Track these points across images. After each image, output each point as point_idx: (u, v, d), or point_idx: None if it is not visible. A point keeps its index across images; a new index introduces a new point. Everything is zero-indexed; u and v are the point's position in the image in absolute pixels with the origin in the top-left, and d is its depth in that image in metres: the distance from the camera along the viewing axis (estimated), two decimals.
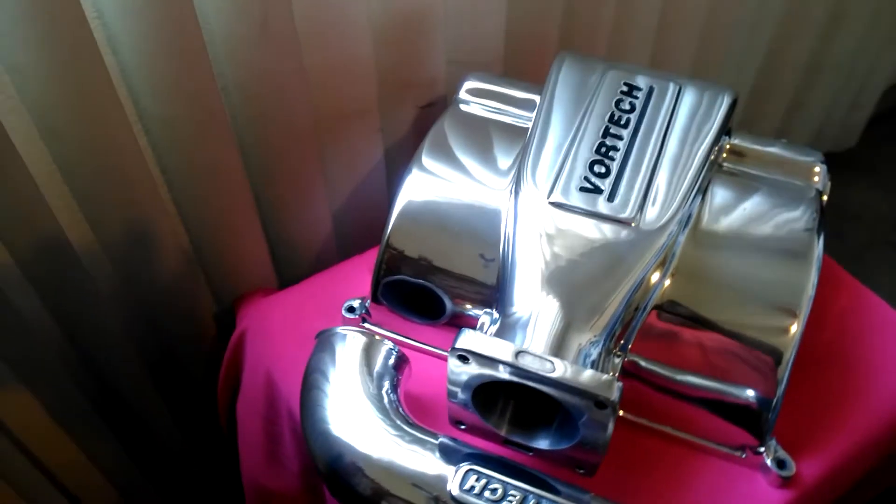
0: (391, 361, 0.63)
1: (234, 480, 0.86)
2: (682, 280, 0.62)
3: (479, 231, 0.66)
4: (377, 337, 0.64)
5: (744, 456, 0.63)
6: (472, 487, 0.54)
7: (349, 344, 0.63)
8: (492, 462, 0.55)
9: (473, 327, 0.64)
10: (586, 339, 0.57)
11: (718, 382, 0.61)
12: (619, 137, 0.67)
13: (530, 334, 0.57)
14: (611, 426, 0.54)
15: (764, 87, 1.35)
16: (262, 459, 0.78)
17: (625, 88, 0.71)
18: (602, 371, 0.57)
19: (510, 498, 0.53)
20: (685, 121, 0.68)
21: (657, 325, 0.62)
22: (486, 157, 0.71)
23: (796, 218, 0.65)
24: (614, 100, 0.70)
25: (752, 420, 0.61)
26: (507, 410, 0.61)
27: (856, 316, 0.74)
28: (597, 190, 0.63)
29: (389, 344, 0.64)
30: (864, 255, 1.53)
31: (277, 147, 0.80)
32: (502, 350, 0.53)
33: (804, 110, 1.48)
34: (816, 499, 0.64)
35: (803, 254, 0.63)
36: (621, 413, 0.66)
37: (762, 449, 0.62)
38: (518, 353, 0.53)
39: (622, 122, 0.68)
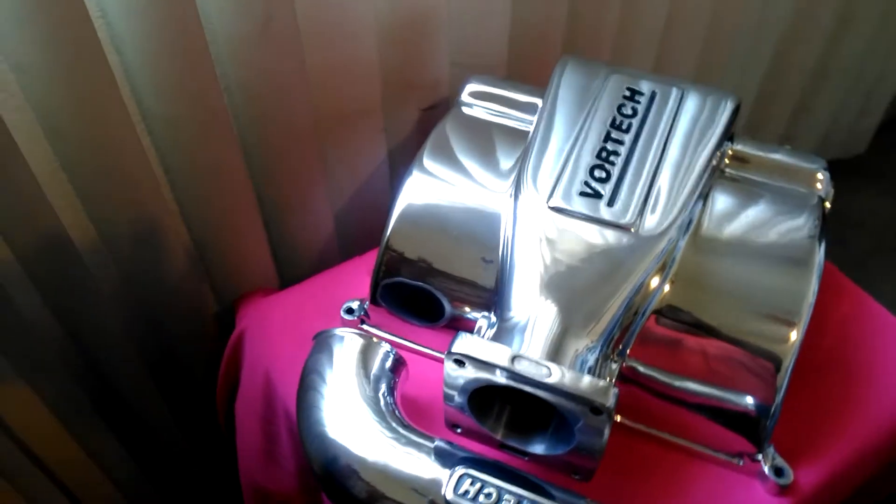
0: (388, 364, 0.63)
1: (233, 479, 0.86)
2: (681, 285, 0.62)
3: (479, 234, 0.66)
4: (375, 339, 0.64)
5: (741, 463, 0.63)
6: (467, 492, 0.54)
7: (346, 346, 0.63)
8: (487, 466, 0.55)
9: (472, 331, 0.65)
10: (583, 345, 0.57)
11: (717, 389, 0.61)
12: (621, 142, 0.67)
13: (527, 339, 0.57)
14: (607, 432, 0.54)
15: (770, 91, 1.34)
16: (259, 459, 0.79)
17: (627, 93, 0.70)
18: (599, 377, 0.57)
19: (504, 502, 0.53)
20: (687, 126, 0.68)
21: (656, 331, 0.62)
22: (488, 160, 0.70)
23: (798, 225, 0.65)
24: (616, 104, 0.69)
25: (751, 427, 0.61)
26: (504, 415, 0.61)
27: (857, 323, 0.74)
28: (597, 195, 0.63)
29: (387, 346, 0.64)
30: (868, 261, 1.52)
31: (279, 146, 0.80)
32: (498, 354, 0.53)
33: (811, 115, 1.47)
34: None
35: (804, 261, 0.63)
36: (618, 418, 0.66)
37: (760, 456, 0.62)
38: (514, 358, 0.53)
39: (624, 127, 0.68)
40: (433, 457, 0.56)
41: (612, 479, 0.62)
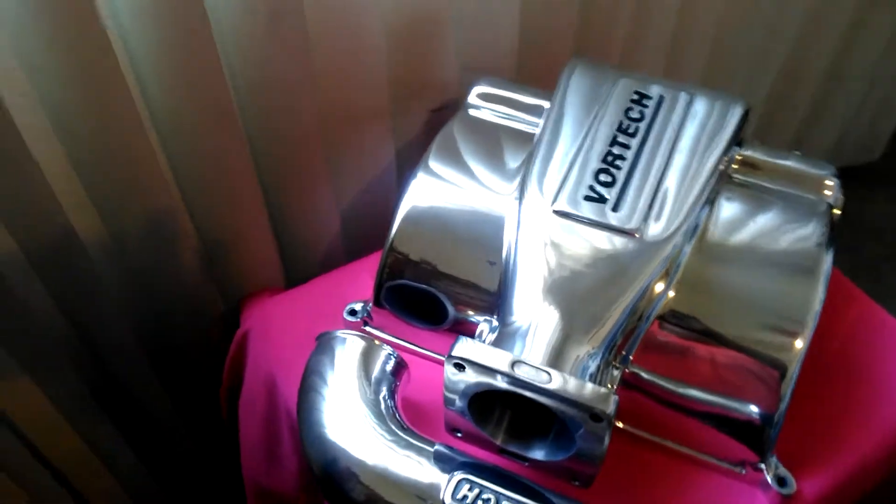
0: (389, 367, 0.63)
1: (236, 477, 0.87)
2: (686, 291, 0.61)
3: (484, 237, 0.66)
4: (377, 342, 0.64)
5: (744, 472, 0.63)
6: (465, 497, 0.53)
7: (348, 348, 0.63)
8: (486, 472, 0.55)
9: (474, 334, 0.64)
10: (585, 351, 0.56)
11: (720, 396, 0.60)
12: (627, 147, 0.66)
13: (529, 344, 0.57)
14: (607, 439, 0.53)
15: (781, 95, 1.33)
16: (261, 458, 0.79)
17: (635, 97, 0.70)
18: (600, 383, 0.57)
19: None
20: (695, 131, 0.67)
21: (660, 337, 0.61)
22: (494, 162, 0.70)
23: (806, 232, 0.64)
24: (624, 108, 0.69)
25: (753, 435, 0.60)
26: (504, 420, 0.61)
27: (864, 331, 0.73)
28: (601, 199, 0.62)
29: (388, 349, 0.64)
30: (881, 268, 1.51)
31: (286, 145, 0.80)
32: (498, 359, 0.53)
33: (823, 121, 1.46)
34: None
35: (811, 269, 0.62)
36: (620, 425, 0.65)
37: (763, 465, 0.62)
38: (514, 363, 0.53)
39: (630, 131, 0.67)
40: (432, 461, 0.56)
41: (613, 486, 0.62)
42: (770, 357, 0.60)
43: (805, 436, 0.65)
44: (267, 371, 0.73)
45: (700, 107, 0.69)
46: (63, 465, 0.82)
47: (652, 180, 0.64)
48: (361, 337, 0.64)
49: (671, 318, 0.61)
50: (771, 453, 0.61)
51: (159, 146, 0.73)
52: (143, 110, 0.69)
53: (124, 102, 0.65)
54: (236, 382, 0.82)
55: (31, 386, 0.75)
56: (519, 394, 0.54)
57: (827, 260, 0.63)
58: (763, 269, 0.63)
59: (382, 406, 0.60)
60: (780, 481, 0.61)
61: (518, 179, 0.67)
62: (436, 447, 0.57)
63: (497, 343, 0.59)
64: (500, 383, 0.54)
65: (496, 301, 0.64)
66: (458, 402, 0.58)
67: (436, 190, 0.68)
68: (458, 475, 0.54)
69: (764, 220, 0.65)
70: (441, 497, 0.54)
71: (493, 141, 0.73)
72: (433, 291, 0.67)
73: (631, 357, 0.61)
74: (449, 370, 0.55)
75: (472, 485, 0.54)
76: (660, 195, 0.63)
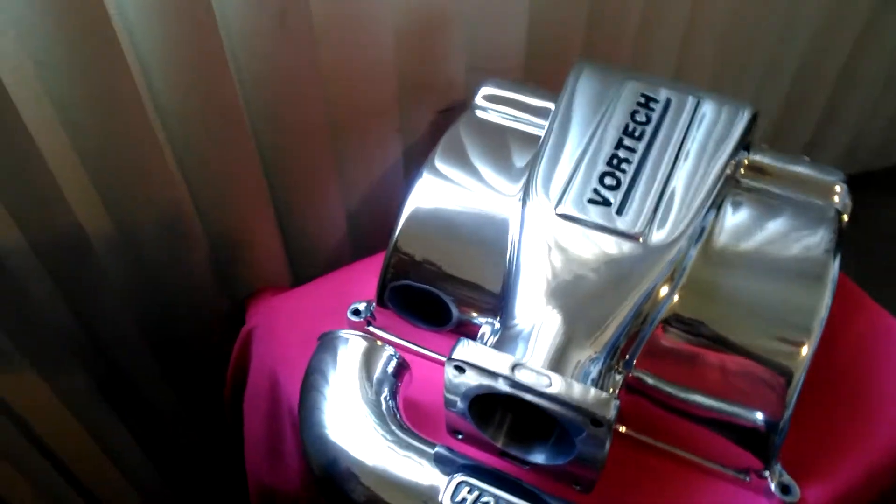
0: (391, 367, 0.63)
1: (240, 473, 0.87)
2: (690, 296, 0.61)
3: (488, 239, 0.66)
4: (379, 342, 0.64)
5: (748, 479, 0.62)
6: (464, 499, 0.53)
7: (350, 348, 0.63)
8: (486, 474, 0.55)
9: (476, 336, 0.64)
10: (586, 356, 0.56)
11: (724, 402, 0.60)
12: (633, 150, 0.66)
13: (531, 347, 0.56)
14: (607, 444, 0.53)
15: (795, 99, 1.32)
16: (265, 456, 0.79)
17: (641, 100, 0.69)
18: (602, 388, 0.56)
19: None
20: (702, 135, 0.67)
21: (663, 341, 0.61)
22: (499, 164, 0.70)
23: (813, 238, 0.64)
24: (630, 111, 0.69)
25: (758, 442, 0.60)
26: (505, 422, 0.61)
27: (872, 340, 0.72)
28: (606, 203, 0.62)
29: (390, 350, 0.64)
30: (894, 273, 1.49)
31: (293, 142, 0.80)
32: (499, 362, 0.53)
33: (837, 125, 1.44)
34: None
35: (818, 275, 0.62)
36: (623, 429, 0.65)
37: (767, 473, 0.61)
38: (515, 367, 0.53)
39: (637, 135, 0.67)
40: (432, 463, 0.56)
41: (614, 491, 0.61)
42: (775, 363, 0.59)
43: (810, 444, 0.64)
44: (271, 369, 0.73)
45: (707, 111, 0.69)
46: (67, 458, 0.83)
47: (657, 184, 0.63)
48: (364, 337, 0.64)
49: (675, 322, 0.61)
50: (775, 461, 0.61)
51: (165, 141, 0.73)
52: (150, 105, 0.70)
53: (130, 96, 0.65)
54: (240, 379, 0.82)
55: (35, 378, 0.75)
56: (520, 397, 0.53)
57: (834, 266, 0.62)
58: (769, 274, 0.62)
59: (383, 407, 0.60)
60: (784, 489, 0.61)
61: (522, 181, 0.67)
62: (436, 449, 0.57)
63: (498, 346, 0.58)
64: (501, 386, 0.53)
65: (500, 303, 0.64)
66: (459, 404, 0.58)
67: (441, 191, 0.68)
68: (458, 477, 0.54)
69: (771, 225, 0.65)
70: (440, 499, 0.53)
71: (499, 142, 0.72)
72: (437, 293, 0.67)
73: (634, 361, 0.61)
74: (450, 372, 0.55)
75: (472, 487, 0.54)
76: (665, 199, 0.62)
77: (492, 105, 0.76)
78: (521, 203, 0.64)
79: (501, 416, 0.61)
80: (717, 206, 0.65)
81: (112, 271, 0.78)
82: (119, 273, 0.79)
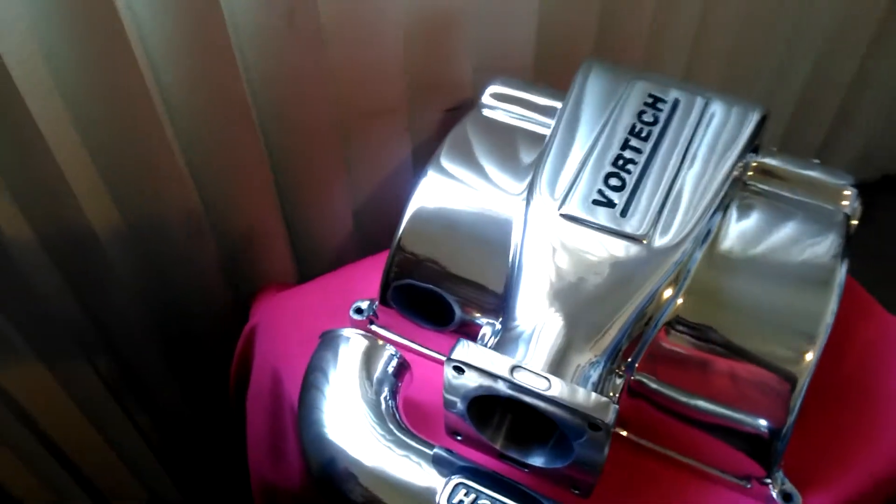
0: (392, 367, 0.63)
1: (245, 470, 0.87)
2: (695, 298, 0.60)
3: (492, 238, 0.65)
4: (380, 341, 0.63)
5: (749, 486, 0.61)
6: (461, 502, 0.53)
7: (351, 346, 0.63)
8: (484, 477, 0.55)
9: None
10: (587, 359, 0.56)
11: (726, 407, 0.59)
12: (639, 151, 0.65)
13: (531, 349, 0.56)
14: (606, 448, 0.52)
15: (808, 101, 1.30)
16: (267, 454, 0.79)
17: (649, 100, 0.69)
18: (602, 392, 0.56)
19: None
20: (710, 136, 0.66)
21: (666, 344, 0.60)
22: (505, 163, 0.69)
23: (820, 242, 0.63)
24: (637, 112, 0.68)
25: (760, 449, 0.59)
26: (504, 424, 0.60)
27: (880, 347, 0.71)
28: (610, 204, 0.61)
29: (391, 349, 0.63)
30: None
31: (300, 138, 0.80)
32: (498, 364, 0.53)
33: (851, 128, 1.42)
34: None
35: (824, 280, 0.61)
36: (624, 433, 0.64)
37: (769, 480, 0.60)
38: (514, 368, 0.52)
39: (643, 135, 0.66)
40: (430, 464, 0.55)
41: (613, 495, 0.61)
42: (780, 368, 0.58)
43: (813, 452, 0.63)
44: (273, 366, 0.73)
45: (716, 111, 0.68)
46: (70, 449, 0.83)
47: (663, 185, 0.63)
48: (365, 336, 0.64)
49: (679, 325, 0.60)
50: (778, 468, 0.60)
51: (173, 136, 0.73)
52: (158, 101, 0.70)
53: (139, 91, 0.65)
54: (244, 376, 0.82)
55: (42, 370, 0.76)
56: (518, 399, 0.53)
57: (841, 271, 0.61)
58: (775, 278, 0.61)
59: (383, 406, 0.60)
60: (786, 497, 0.60)
61: (527, 181, 0.66)
62: (434, 450, 0.56)
63: (499, 347, 0.58)
64: (500, 388, 0.53)
65: (501, 304, 0.64)
66: (458, 405, 0.57)
67: (445, 189, 0.68)
68: (456, 479, 0.54)
69: (778, 229, 0.64)
70: (437, 500, 0.53)
71: (505, 141, 0.72)
72: (440, 292, 0.66)
73: (637, 364, 0.60)
74: (449, 373, 0.54)
75: (469, 490, 0.53)
76: (670, 201, 0.62)
77: (499, 103, 0.76)
78: (524, 203, 0.64)
79: (501, 417, 0.60)
80: (723, 208, 0.64)
81: (119, 265, 0.78)
82: (126, 267, 0.80)
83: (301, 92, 0.76)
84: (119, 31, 0.61)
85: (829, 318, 0.59)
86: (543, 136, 0.71)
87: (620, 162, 0.64)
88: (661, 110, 0.68)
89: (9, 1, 0.57)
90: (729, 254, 0.62)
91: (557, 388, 0.51)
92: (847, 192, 0.67)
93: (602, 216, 0.61)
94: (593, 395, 0.51)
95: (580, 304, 0.58)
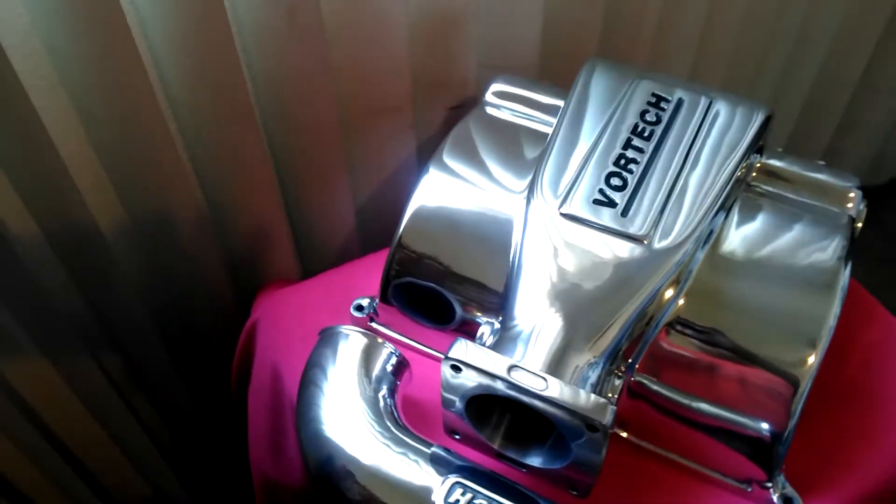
0: (391, 365, 0.63)
1: (247, 465, 0.87)
2: (696, 300, 0.60)
3: (493, 237, 0.65)
4: (379, 339, 0.63)
5: (749, 490, 0.61)
6: (458, 501, 0.53)
7: (350, 344, 0.63)
8: (481, 476, 0.54)
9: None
10: (585, 360, 0.55)
11: (727, 409, 0.59)
12: (642, 150, 0.65)
13: (530, 349, 0.56)
14: (604, 449, 0.52)
15: (815, 103, 1.29)
16: (267, 450, 0.79)
17: (652, 99, 0.68)
18: (600, 392, 0.55)
19: None
20: (713, 136, 0.66)
21: (667, 346, 0.60)
22: (507, 161, 0.69)
23: (824, 244, 0.62)
24: (640, 111, 0.67)
25: (761, 452, 0.59)
26: (503, 424, 0.60)
27: (884, 350, 0.71)
28: (611, 203, 0.61)
29: (391, 347, 0.63)
30: None
31: (303, 136, 0.80)
32: (496, 363, 0.52)
33: (859, 131, 1.41)
34: None
35: (828, 282, 0.60)
36: (624, 434, 0.64)
37: (769, 484, 0.60)
38: (511, 368, 0.52)
39: (646, 135, 0.66)
40: (428, 463, 0.55)
41: (612, 497, 0.60)
42: (781, 371, 0.58)
43: (815, 456, 0.63)
44: (274, 362, 0.73)
45: (720, 111, 0.67)
46: (74, 444, 0.83)
47: (665, 185, 0.62)
48: (364, 333, 0.63)
49: (679, 326, 0.59)
50: (779, 471, 0.60)
51: (177, 133, 0.73)
52: (162, 97, 0.70)
53: (143, 87, 0.66)
54: (245, 372, 0.82)
55: (47, 367, 0.76)
56: (516, 399, 0.53)
57: (845, 274, 0.61)
58: (778, 280, 0.61)
59: (381, 404, 0.60)
60: (787, 501, 0.60)
61: (528, 179, 0.66)
62: (432, 449, 0.56)
63: (497, 346, 0.58)
64: (498, 387, 0.53)
65: (501, 303, 0.63)
66: (456, 404, 0.57)
67: (447, 187, 0.67)
68: (452, 479, 0.54)
69: (781, 231, 0.63)
70: (433, 499, 0.53)
71: (507, 139, 0.72)
72: (440, 290, 0.66)
73: (637, 365, 0.60)
74: (446, 371, 0.54)
75: (466, 489, 0.53)
76: (672, 201, 0.61)
77: (502, 101, 0.76)
78: (525, 201, 0.63)
79: (499, 417, 0.60)
80: (726, 209, 0.64)
81: (124, 261, 0.78)
82: (131, 263, 0.80)
83: (304, 90, 0.76)
84: (123, 27, 0.61)
85: (831, 320, 0.59)
86: (546, 135, 0.70)
87: (622, 161, 0.64)
88: (664, 110, 0.67)
89: None
90: (731, 255, 0.62)
91: (555, 388, 0.51)
92: (852, 195, 0.67)
93: (603, 216, 0.60)
94: (591, 395, 0.51)
95: (580, 303, 0.57)
